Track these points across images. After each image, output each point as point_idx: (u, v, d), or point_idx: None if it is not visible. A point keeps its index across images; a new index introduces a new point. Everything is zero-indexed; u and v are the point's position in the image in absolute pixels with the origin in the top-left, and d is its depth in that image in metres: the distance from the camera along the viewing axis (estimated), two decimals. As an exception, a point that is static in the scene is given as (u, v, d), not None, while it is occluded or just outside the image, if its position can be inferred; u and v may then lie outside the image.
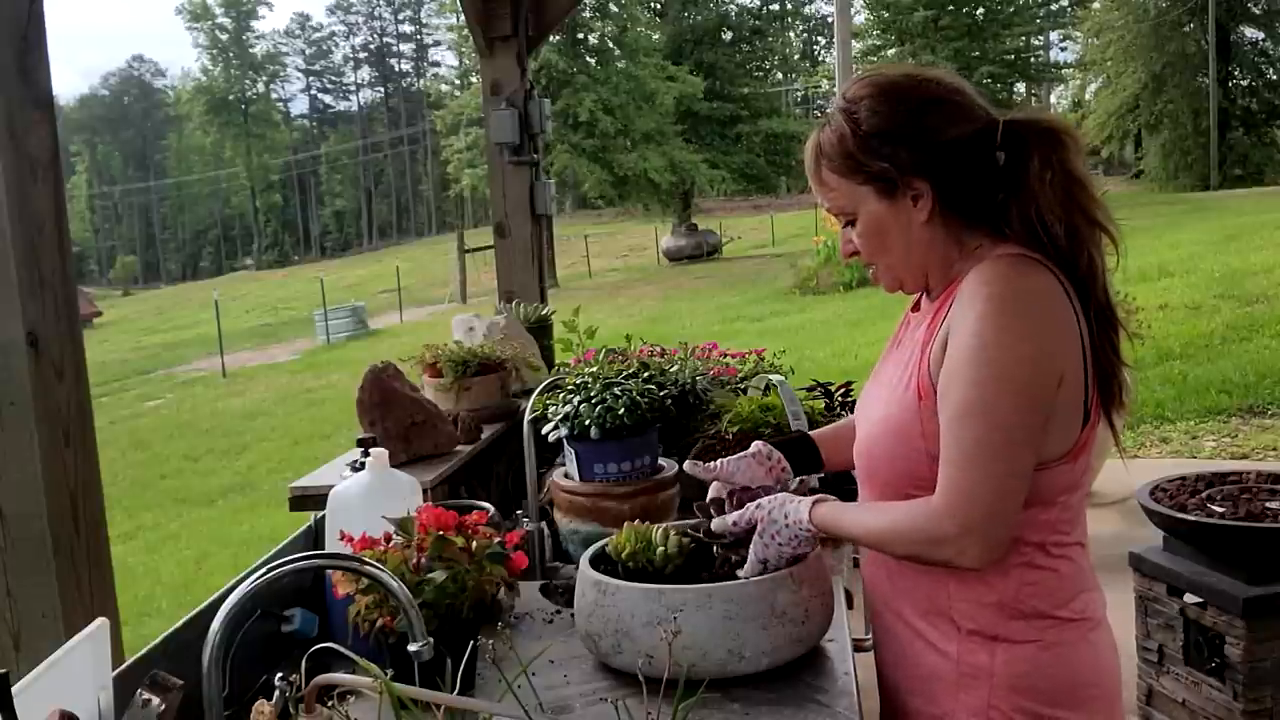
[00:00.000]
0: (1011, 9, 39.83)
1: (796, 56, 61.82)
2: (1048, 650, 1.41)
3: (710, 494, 1.64)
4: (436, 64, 80.00)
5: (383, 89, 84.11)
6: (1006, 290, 1.33)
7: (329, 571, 1.60)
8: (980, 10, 39.02)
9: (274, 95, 79.32)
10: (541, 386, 2.37)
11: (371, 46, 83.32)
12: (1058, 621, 1.42)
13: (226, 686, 1.26)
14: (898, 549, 1.42)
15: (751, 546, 1.52)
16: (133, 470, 11.83)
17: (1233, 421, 7.38)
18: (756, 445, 1.70)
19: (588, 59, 34.12)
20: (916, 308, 1.56)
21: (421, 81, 77.90)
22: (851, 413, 2.28)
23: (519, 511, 2.28)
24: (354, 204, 77.65)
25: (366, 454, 1.94)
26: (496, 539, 1.56)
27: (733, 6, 48.41)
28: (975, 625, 1.43)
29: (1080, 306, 1.38)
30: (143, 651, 1.40)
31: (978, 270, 1.37)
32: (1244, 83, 35.44)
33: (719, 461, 1.67)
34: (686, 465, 1.70)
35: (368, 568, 1.29)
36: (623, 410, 2.11)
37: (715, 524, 1.59)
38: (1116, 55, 33.70)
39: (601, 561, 1.63)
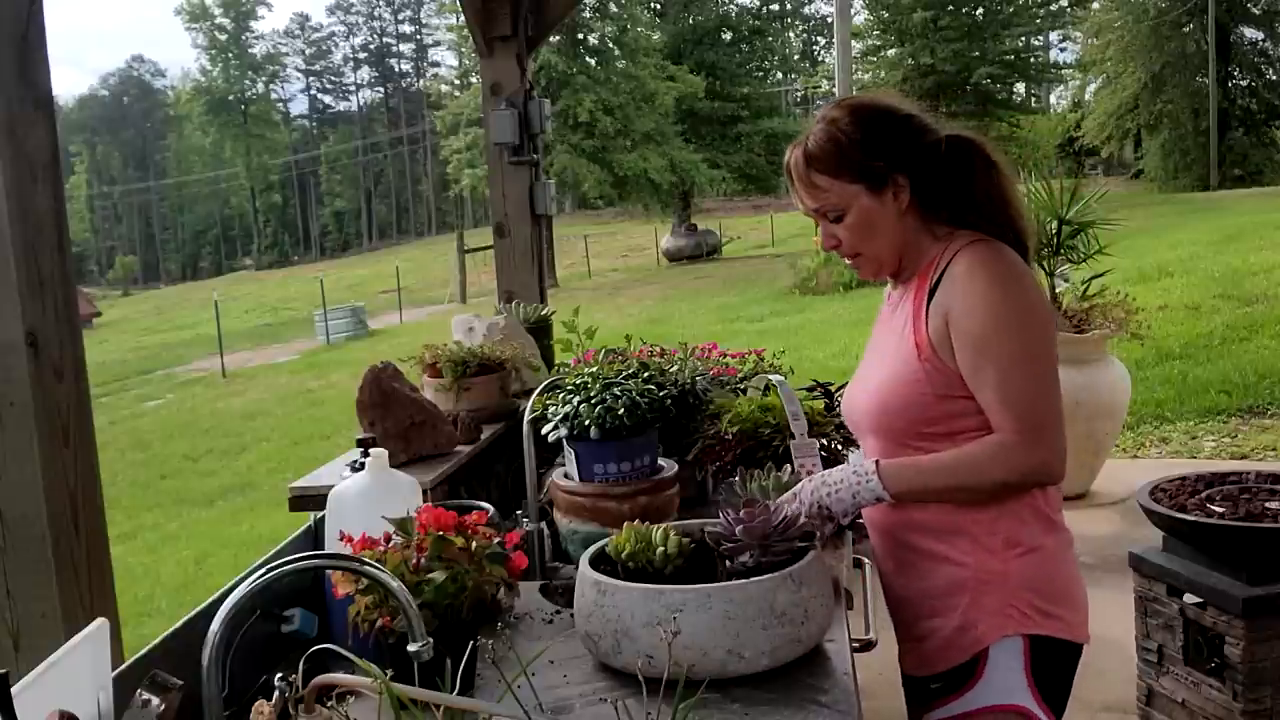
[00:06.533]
0: (1011, 9, 39.75)
1: (796, 56, 61.69)
2: (1049, 557, 1.69)
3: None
4: (436, 64, 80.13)
5: (383, 89, 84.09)
6: (997, 266, 1.66)
7: (329, 572, 1.60)
8: (980, 10, 38.94)
9: (274, 95, 79.36)
10: (541, 387, 2.37)
11: (371, 47, 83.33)
12: (1055, 526, 1.71)
13: (226, 686, 1.27)
14: (986, 487, 1.65)
15: (801, 492, 1.70)
16: (133, 470, 11.83)
17: (1233, 421, 7.38)
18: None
19: (587, 59, 34.08)
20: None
21: (421, 82, 77.88)
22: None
23: (519, 511, 2.28)
24: (354, 204, 77.59)
25: (366, 454, 1.94)
26: (496, 539, 1.56)
27: (733, 6, 48.37)
28: (994, 533, 1.67)
29: None
30: (143, 651, 1.40)
31: (963, 255, 1.67)
32: (1244, 83, 35.38)
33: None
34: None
35: (368, 568, 1.29)
36: (622, 410, 2.11)
37: (787, 499, 1.71)
38: (1116, 55, 33.63)
39: (601, 562, 1.63)
